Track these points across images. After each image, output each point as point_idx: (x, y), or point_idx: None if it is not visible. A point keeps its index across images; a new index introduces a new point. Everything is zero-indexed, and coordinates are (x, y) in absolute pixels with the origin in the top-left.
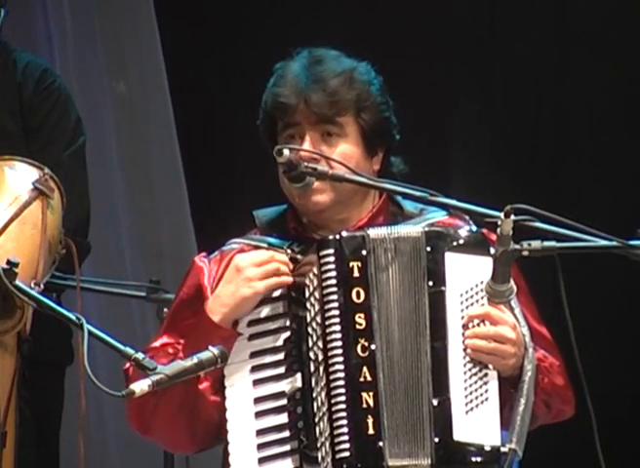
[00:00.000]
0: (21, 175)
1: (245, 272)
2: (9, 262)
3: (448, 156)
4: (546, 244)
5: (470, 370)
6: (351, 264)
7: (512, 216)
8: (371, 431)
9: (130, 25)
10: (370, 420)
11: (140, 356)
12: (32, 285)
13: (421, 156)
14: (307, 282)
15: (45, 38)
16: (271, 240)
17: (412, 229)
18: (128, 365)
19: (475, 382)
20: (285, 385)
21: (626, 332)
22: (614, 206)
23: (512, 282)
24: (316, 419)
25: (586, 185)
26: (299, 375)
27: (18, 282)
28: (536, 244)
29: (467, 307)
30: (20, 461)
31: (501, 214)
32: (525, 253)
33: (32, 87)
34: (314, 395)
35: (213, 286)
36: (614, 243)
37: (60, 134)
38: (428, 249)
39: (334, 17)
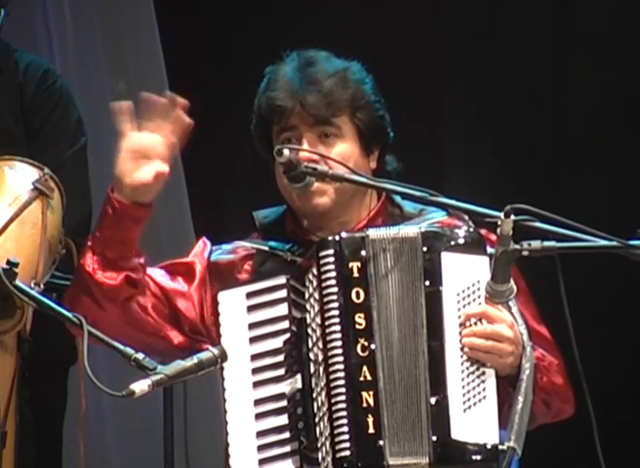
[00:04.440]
0: (21, 175)
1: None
2: (9, 262)
3: (447, 156)
4: (546, 244)
5: (468, 368)
6: (351, 265)
7: (512, 216)
8: (371, 430)
9: (130, 25)
10: (370, 419)
11: (139, 356)
12: (32, 285)
13: (420, 156)
14: (307, 283)
15: (45, 38)
16: (272, 243)
17: (409, 230)
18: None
19: (473, 381)
20: (285, 387)
21: (626, 332)
22: (614, 206)
23: (512, 282)
24: (316, 420)
25: (586, 185)
26: (299, 376)
27: (18, 282)
28: (536, 244)
29: (464, 306)
30: (20, 461)
31: (501, 214)
32: (525, 253)
33: (33, 87)
34: (314, 395)
35: (207, 258)
36: (614, 243)
37: (61, 134)
38: (425, 249)
39: (332, 16)
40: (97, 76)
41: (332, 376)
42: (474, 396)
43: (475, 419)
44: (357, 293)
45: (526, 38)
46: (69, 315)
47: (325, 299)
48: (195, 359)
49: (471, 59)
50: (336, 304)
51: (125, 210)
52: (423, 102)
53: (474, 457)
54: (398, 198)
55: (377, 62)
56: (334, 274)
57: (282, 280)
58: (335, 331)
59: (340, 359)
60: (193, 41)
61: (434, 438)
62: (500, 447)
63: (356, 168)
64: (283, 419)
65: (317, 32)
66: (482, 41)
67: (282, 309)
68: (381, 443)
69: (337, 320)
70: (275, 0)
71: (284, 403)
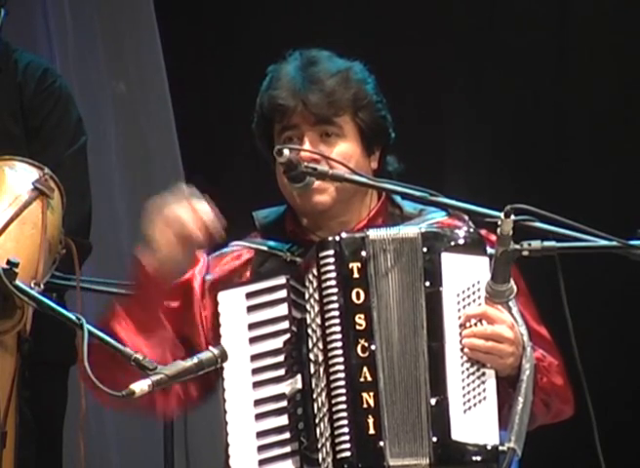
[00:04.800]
0: (21, 175)
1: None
2: (9, 262)
3: (447, 156)
4: (546, 244)
5: (468, 369)
6: (351, 265)
7: (512, 216)
8: (371, 431)
9: (130, 25)
10: (370, 420)
11: (139, 356)
12: (32, 285)
13: (421, 156)
14: (307, 283)
15: (45, 38)
16: (271, 243)
17: (409, 230)
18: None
19: (473, 381)
20: (285, 387)
21: (626, 332)
22: (614, 206)
23: (512, 282)
24: (316, 420)
25: (586, 185)
26: (299, 377)
27: (18, 282)
28: (536, 244)
29: (464, 307)
30: (20, 461)
31: (501, 214)
32: (525, 253)
33: (33, 87)
34: (314, 396)
35: (203, 277)
36: (614, 243)
37: (60, 134)
38: (425, 249)
39: (332, 15)
40: (97, 76)
41: (332, 377)
42: (474, 397)
43: (475, 420)
44: (357, 294)
45: (526, 38)
46: (69, 315)
47: (325, 300)
48: (195, 359)
49: (471, 59)
50: (336, 305)
51: (154, 281)
52: (424, 102)
53: (474, 458)
54: (398, 198)
55: (377, 62)
56: (334, 274)
57: (282, 280)
58: (335, 332)
59: (341, 360)
60: (193, 41)
61: (434, 439)
62: (501, 447)
63: (357, 168)
64: (283, 420)
65: (317, 31)
66: (482, 41)
67: (282, 309)
68: (382, 444)
69: (337, 320)
70: (275, 0)
71: (284, 403)
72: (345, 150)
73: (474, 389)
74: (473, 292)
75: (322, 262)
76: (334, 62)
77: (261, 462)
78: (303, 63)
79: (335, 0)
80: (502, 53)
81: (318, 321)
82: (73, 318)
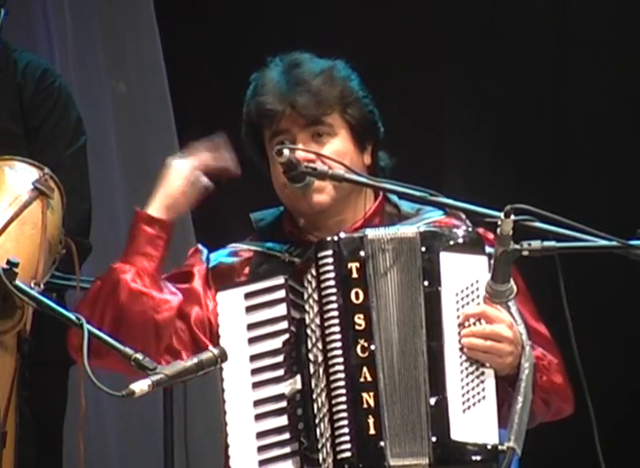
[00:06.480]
0: (21, 175)
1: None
2: (9, 262)
3: (446, 156)
4: (546, 244)
5: (467, 368)
6: (350, 265)
7: (512, 216)
8: (372, 431)
9: (130, 25)
10: (371, 420)
11: (139, 356)
12: (32, 285)
13: (420, 156)
14: (306, 283)
15: (45, 38)
16: (269, 244)
17: (408, 229)
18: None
19: (472, 381)
20: (285, 387)
21: (626, 332)
22: (614, 206)
23: (512, 282)
24: (317, 421)
25: (586, 185)
26: (298, 377)
27: (18, 282)
28: (536, 244)
29: (463, 306)
30: (20, 461)
31: (501, 214)
32: (525, 253)
33: (32, 87)
34: (314, 396)
35: (206, 265)
36: (614, 243)
37: (60, 134)
38: (423, 249)
39: (333, 17)
40: (97, 76)
41: (332, 377)
42: (473, 396)
43: (475, 420)
44: (356, 294)
45: (526, 38)
46: (69, 315)
47: (324, 300)
48: (195, 359)
49: (471, 59)
50: (335, 305)
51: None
52: (423, 102)
53: (474, 458)
54: (395, 197)
55: (376, 62)
56: (333, 275)
57: (280, 280)
58: (334, 332)
59: (340, 360)
60: (193, 41)
61: (434, 439)
62: (500, 447)
63: (352, 164)
64: (283, 420)
65: (317, 32)
66: (482, 41)
67: (281, 310)
68: (382, 444)
69: (336, 321)
70: (275, 1)
71: (284, 404)
72: (339, 148)
73: (473, 388)
74: (472, 292)
75: (321, 262)
76: (316, 63)
77: (261, 463)
78: (286, 67)
79: (335, 1)
80: (502, 53)
81: (317, 321)
82: (73, 318)
